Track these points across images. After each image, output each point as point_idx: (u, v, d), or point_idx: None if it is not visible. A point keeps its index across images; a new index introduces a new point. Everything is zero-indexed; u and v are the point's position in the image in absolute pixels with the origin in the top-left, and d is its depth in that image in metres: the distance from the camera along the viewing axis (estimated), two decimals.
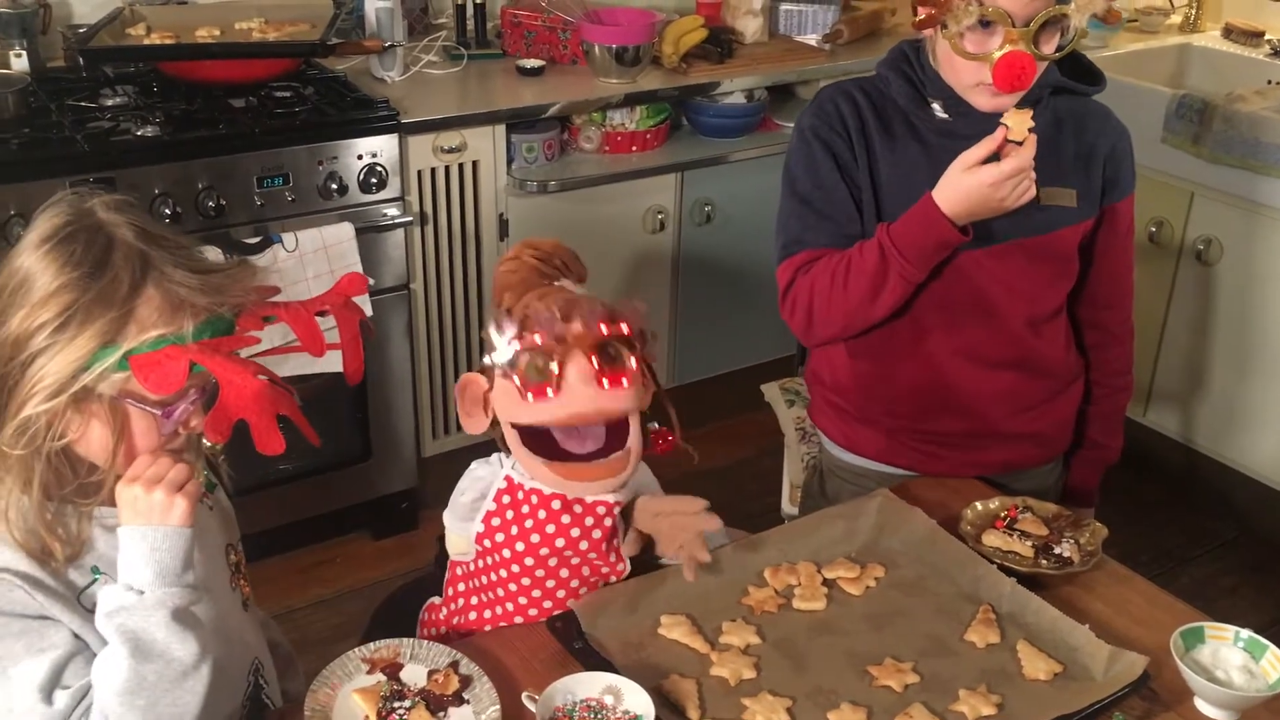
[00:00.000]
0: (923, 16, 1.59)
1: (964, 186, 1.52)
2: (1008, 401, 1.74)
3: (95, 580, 1.17)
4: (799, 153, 1.72)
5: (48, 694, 1.12)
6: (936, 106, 1.66)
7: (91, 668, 1.13)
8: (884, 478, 1.75)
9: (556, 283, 1.38)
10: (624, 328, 1.33)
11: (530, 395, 1.31)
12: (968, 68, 1.58)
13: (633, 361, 1.33)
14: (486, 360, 1.36)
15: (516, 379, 1.31)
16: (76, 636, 1.15)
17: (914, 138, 1.68)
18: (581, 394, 1.31)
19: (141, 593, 1.10)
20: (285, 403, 1.14)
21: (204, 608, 1.19)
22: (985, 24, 1.54)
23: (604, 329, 1.31)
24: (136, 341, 1.08)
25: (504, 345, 1.31)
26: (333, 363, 2.75)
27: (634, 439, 1.37)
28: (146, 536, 1.11)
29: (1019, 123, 1.50)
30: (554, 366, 1.30)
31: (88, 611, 1.14)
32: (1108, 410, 1.83)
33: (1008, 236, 1.64)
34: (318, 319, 1.20)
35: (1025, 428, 1.76)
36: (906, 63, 1.69)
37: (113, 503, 1.17)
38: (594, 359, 1.31)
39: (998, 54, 1.52)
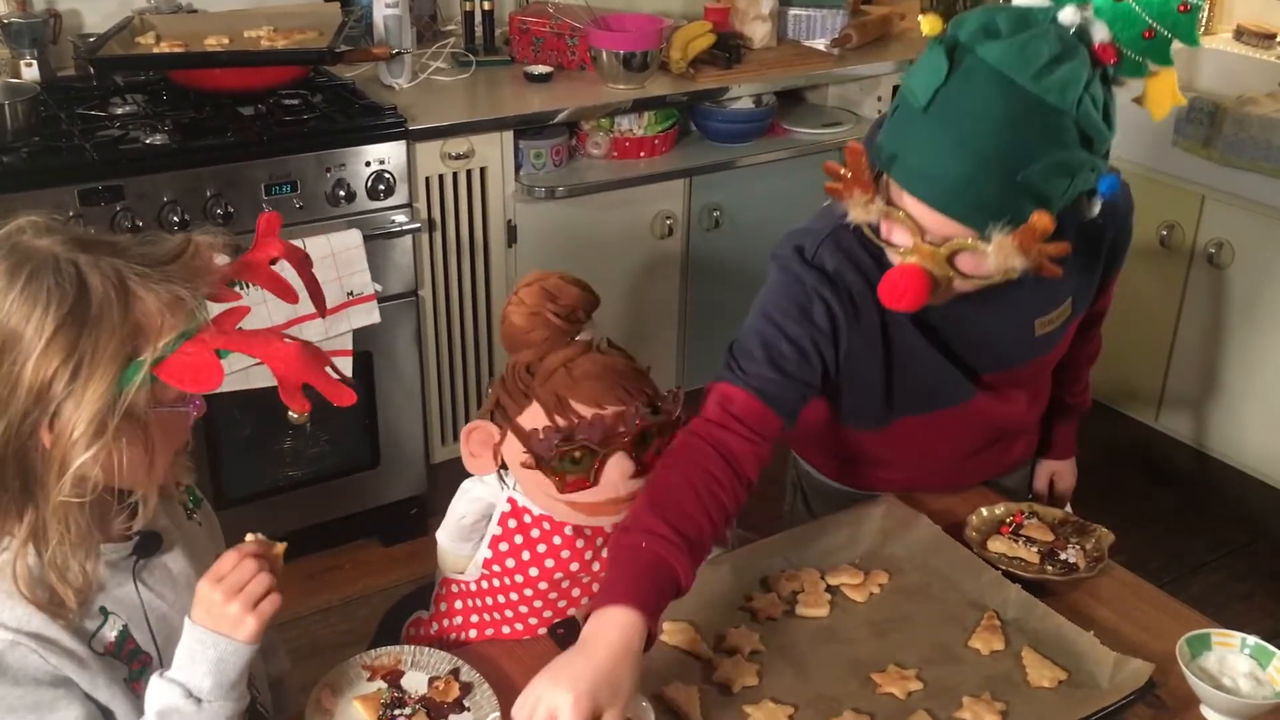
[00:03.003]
0: (830, 186, 1.37)
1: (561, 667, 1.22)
2: (996, 458, 1.74)
3: (105, 621, 1.15)
4: (776, 304, 1.47)
5: None
6: None
7: None
8: (872, 498, 1.73)
9: (578, 336, 1.37)
10: (663, 418, 1.34)
11: (567, 488, 1.32)
12: (884, 247, 1.38)
13: (663, 443, 1.35)
14: (500, 416, 1.36)
15: (553, 475, 1.32)
16: (87, 696, 1.13)
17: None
18: (617, 484, 1.34)
19: (199, 701, 1.10)
20: (323, 356, 1.10)
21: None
22: None
23: (644, 424, 1.32)
24: (159, 350, 1.05)
25: (542, 442, 1.30)
26: (341, 369, 2.75)
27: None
28: (217, 645, 1.10)
29: None
30: (595, 465, 1.31)
31: (99, 655, 1.13)
32: (1079, 374, 1.80)
33: (1014, 367, 1.58)
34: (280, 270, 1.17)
35: (1011, 462, 1.79)
36: (856, 244, 1.44)
37: (109, 536, 1.16)
38: (632, 455, 1.32)
39: (905, 257, 1.32)
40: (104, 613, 1.15)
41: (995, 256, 1.27)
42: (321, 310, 1.23)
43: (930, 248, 1.30)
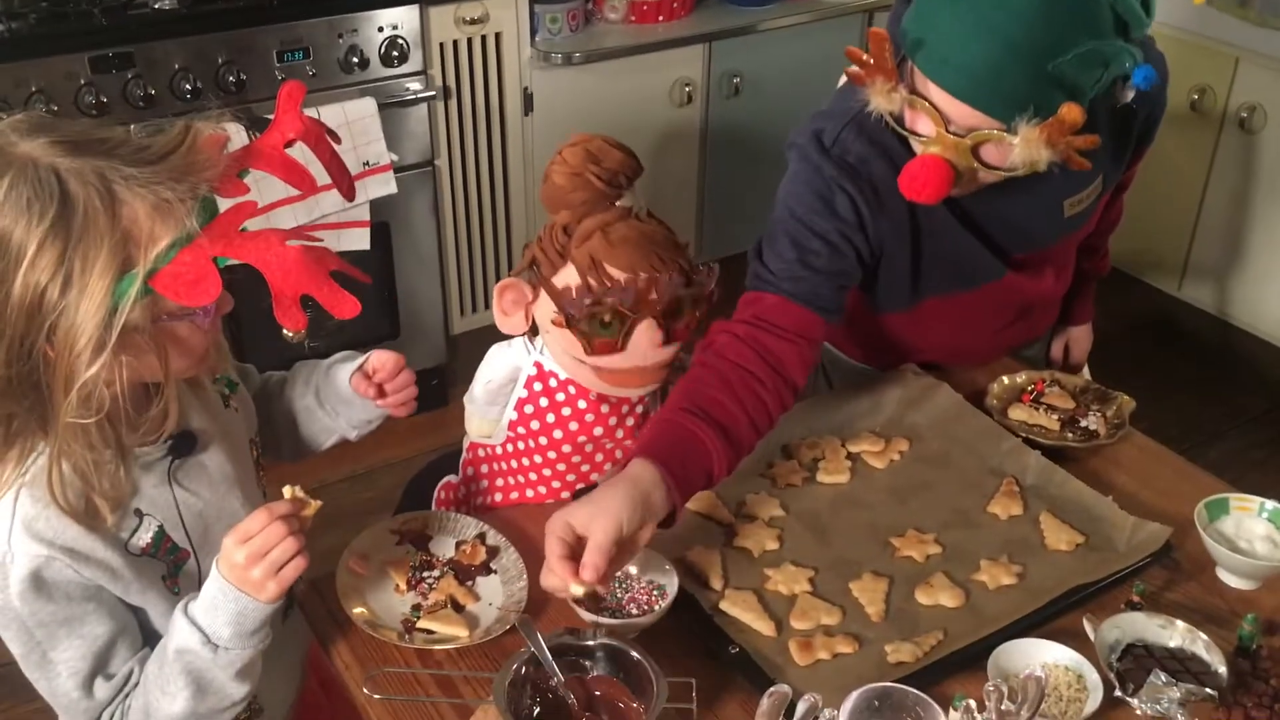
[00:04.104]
0: (852, 72, 1.33)
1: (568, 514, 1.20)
2: (1022, 333, 1.73)
3: (140, 524, 1.15)
4: (801, 200, 1.42)
5: (89, 684, 1.13)
6: None
7: (131, 649, 1.15)
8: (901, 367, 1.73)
9: (619, 202, 1.35)
10: (694, 292, 1.32)
11: (595, 351, 1.32)
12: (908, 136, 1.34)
13: (696, 316, 1.34)
14: (532, 274, 1.35)
15: (581, 337, 1.31)
16: (119, 603, 1.14)
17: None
18: (645, 353, 1.33)
19: (216, 648, 1.11)
20: (330, 259, 1.04)
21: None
22: None
23: (677, 293, 1.31)
24: (151, 261, 0.99)
25: (574, 300, 1.30)
26: (360, 240, 2.74)
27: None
28: (239, 601, 1.10)
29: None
30: (624, 330, 1.30)
31: (135, 557, 1.14)
32: (1099, 242, 1.78)
33: (1044, 246, 1.55)
34: (294, 155, 1.11)
35: (1030, 335, 1.78)
36: (881, 128, 1.37)
37: (145, 438, 1.14)
38: (662, 324, 1.31)
39: (928, 147, 1.28)
40: (139, 515, 1.15)
41: (1021, 149, 1.23)
42: (348, 193, 1.17)
43: (954, 138, 1.26)
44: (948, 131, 1.27)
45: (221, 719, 1.16)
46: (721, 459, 1.27)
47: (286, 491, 1.14)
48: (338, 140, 1.17)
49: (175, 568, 1.18)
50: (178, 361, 1.09)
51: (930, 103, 1.27)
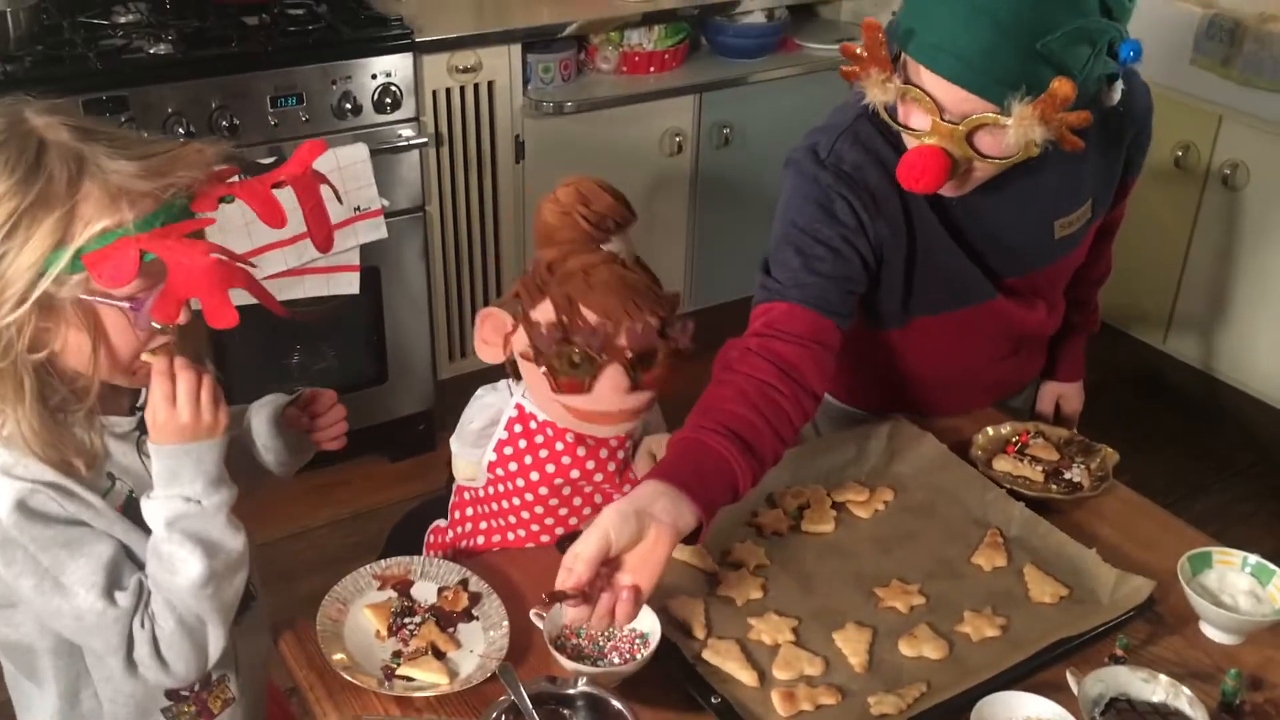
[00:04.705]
0: (846, 70, 1.36)
1: (601, 521, 1.20)
2: (1010, 373, 1.75)
3: (113, 486, 1.21)
4: (802, 211, 1.44)
5: (110, 594, 1.16)
6: None
7: (134, 567, 1.19)
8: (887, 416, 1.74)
9: (605, 245, 1.36)
10: (666, 343, 1.33)
11: (560, 388, 1.32)
12: (901, 131, 1.36)
13: (667, 370, 1.34)
14: (515, 306, 1.36)
15: (549, 373, 1.32)
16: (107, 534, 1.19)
17: (930, 196, 1.42)
18: (610, 399, 1.33)
19: (199, 502, 1.17)
20: (240, 276, 1.12)
21: None
22: None
23: (646, 345, 1.31)
24: (84, 239, 1.08)
25: (543, 336, 1.31)
26: (350, 284, 2.75)
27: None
28: (190, 453, 1.16)
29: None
30: (590, 373, 1.31)
31: (115, 513, 1.19)
32: (1089, 295, 1.80)
33: (1034, 270, 1.57)
34: (279, 196, 1.16)
35: (1026, 379, 1.80)
36: (876, 136, 1.43)
37: (115, 411, 1.22)
38: (629, 371, 1.32)
39: (923, 139, 1.30)
40: (111, 478, 1.21)
41: (1016, 130, 1.25)
42: (322, 244, 1.22)
43: (949, 126, 1.28)
44: (942, 120, 1.28)
45: (234, 585, 1.20)
46: (744, 470, 1.26)
47: (147, 357, 1.17)
48: (337, 196, 1.21)
49: (146, 530, 1.21)
50: (109, 357, 1.15)
51: (924, 91, 1.28)
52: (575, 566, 1.14)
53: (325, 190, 1.20)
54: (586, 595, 1.15)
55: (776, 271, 1.42)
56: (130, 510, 1.20)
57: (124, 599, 1.16)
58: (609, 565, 1.17)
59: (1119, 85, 1.34)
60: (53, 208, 1.07)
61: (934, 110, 1.28)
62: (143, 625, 1.17)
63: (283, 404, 1.41)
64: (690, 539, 1.21)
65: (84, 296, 1.10)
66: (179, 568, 1.16)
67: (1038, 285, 1.61)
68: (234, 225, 2.35)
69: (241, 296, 1.10)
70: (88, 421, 1.18)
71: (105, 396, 1.20)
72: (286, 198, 1.16)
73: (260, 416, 1.39)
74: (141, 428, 1.23)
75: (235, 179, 1.16)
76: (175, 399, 1.15)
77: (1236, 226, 2.96)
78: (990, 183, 1.40)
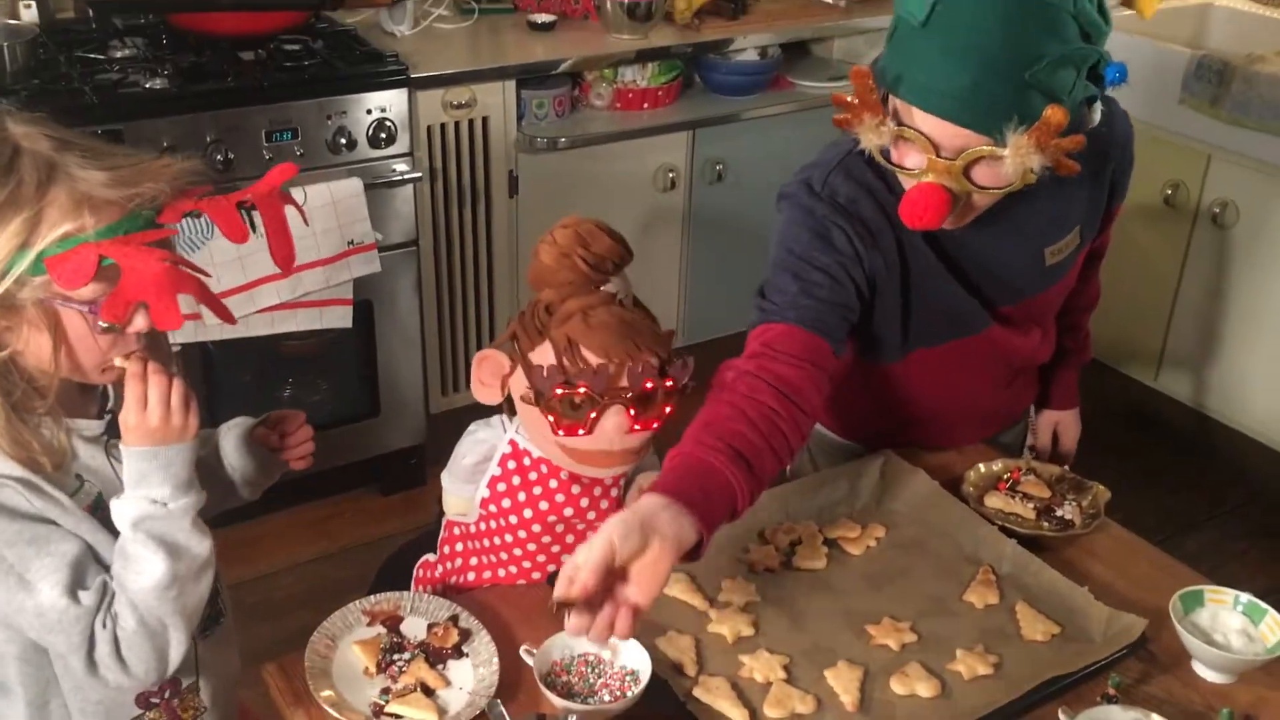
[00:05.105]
0: (839, 118, 1.37)
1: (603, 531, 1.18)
2: (1005, 403, 1.76)
3: (82, 487, 1.22)
4: (798, 239, 1.45)
5: (74, 593, 1.17)
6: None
7: (99, 566, 1.19)
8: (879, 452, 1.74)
9: (604, 286, 1.36)
10: (668, 383, 1.33)
11: (561, 430, 1.32)
12: (898, 173, 1.37)
13: (667, 408, 1.35)
14: (512, 347, 1.36)
15: (551, 415, 1.32)
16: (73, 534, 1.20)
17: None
18: (611, 439, 1.34)
19: (165, 505, 1.18)
20: (190, 283, 1.15)
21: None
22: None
23: (649, 385, 1.32)
24: (46, 242, 1.10)
25: (544, 379, 1.31)
26: (342, 318, 2.75)
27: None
28: (158, 456, 1.18)
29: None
30: (592, 414, 1.31)
31: (83, 512, 1.20)
32: (1080, 322, 1.82)
33: (1027, 298, 1.58)
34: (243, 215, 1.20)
35: (1018, 411, 1.82)
36: (868, 170, 1.45)
37: (84, 414, 1.24)
38: (630, 411, 1.32)
39: (921, 177, 1.31)
40: (80, 479, 1.22)
41: (1012, 159, 1.26)
42: (282, 262, 1.24)
43: (945, 162, 1.29)
44: (939, 157, 1.29)
45: (198, 590, 1.21)
46: (744, 489, 1.25)
47: (122, 362, 1.19)
48: (304, 218, 1.25)
49: (114, 532, 1.21)
50: (69, 358, 1.17)
51: (918, 131, 1.29)
52: (579, 575, 1.11)
53: (290, 211, 1.22)
54: (590, 604, 1.13)
55: (773, 295, 1.43)
56: (98, 511, 1.22)
57: (87, 598, 1.17)
58: (611, 577, 1.14)
59: (1098, 106, 1.36)
60: (20, 210, 1.10)
61: (929, 148, 1.30)
62: (104, 625, 1.17)
63: (251, 425, 1.42)
64: (690, 555, 1.20)
65: (45, 297, 1.13)
66: (143, 568, 1.17)
67: (1031, 313, 1.62)
68: (227, 258, 2.36)
69: (246, 328, 1.12)
70: (54, 422, 1.20)
71: (74, 399, 1.23)
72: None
73: (229, 437, 1.41)
74: (110, 431, 1.25)
75: (204, 195, 1.19)
76: (147, 402, 1.17)
77: (1226, 264, 2.98)
78: (981, 214, 1.42)
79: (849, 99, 1.34)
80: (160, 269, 1.12)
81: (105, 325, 1.15)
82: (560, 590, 1.12)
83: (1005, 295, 1.56)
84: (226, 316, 1.25)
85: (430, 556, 1.57)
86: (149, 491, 1.18)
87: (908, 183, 1.35)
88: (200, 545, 1.20)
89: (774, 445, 1.30)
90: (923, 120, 1.29)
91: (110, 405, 1.27)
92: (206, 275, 1.20)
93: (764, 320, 1.42)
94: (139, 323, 1.16)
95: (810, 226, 1.44)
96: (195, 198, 1.17)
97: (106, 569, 1.20)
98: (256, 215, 1.19)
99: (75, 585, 1.17)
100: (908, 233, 1.44)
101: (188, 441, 1.20)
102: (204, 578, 1.22)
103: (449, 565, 1.52)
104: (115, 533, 1.20)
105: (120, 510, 1.19)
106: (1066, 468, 1.67)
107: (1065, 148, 1.27)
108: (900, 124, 1.31)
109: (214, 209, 1.17)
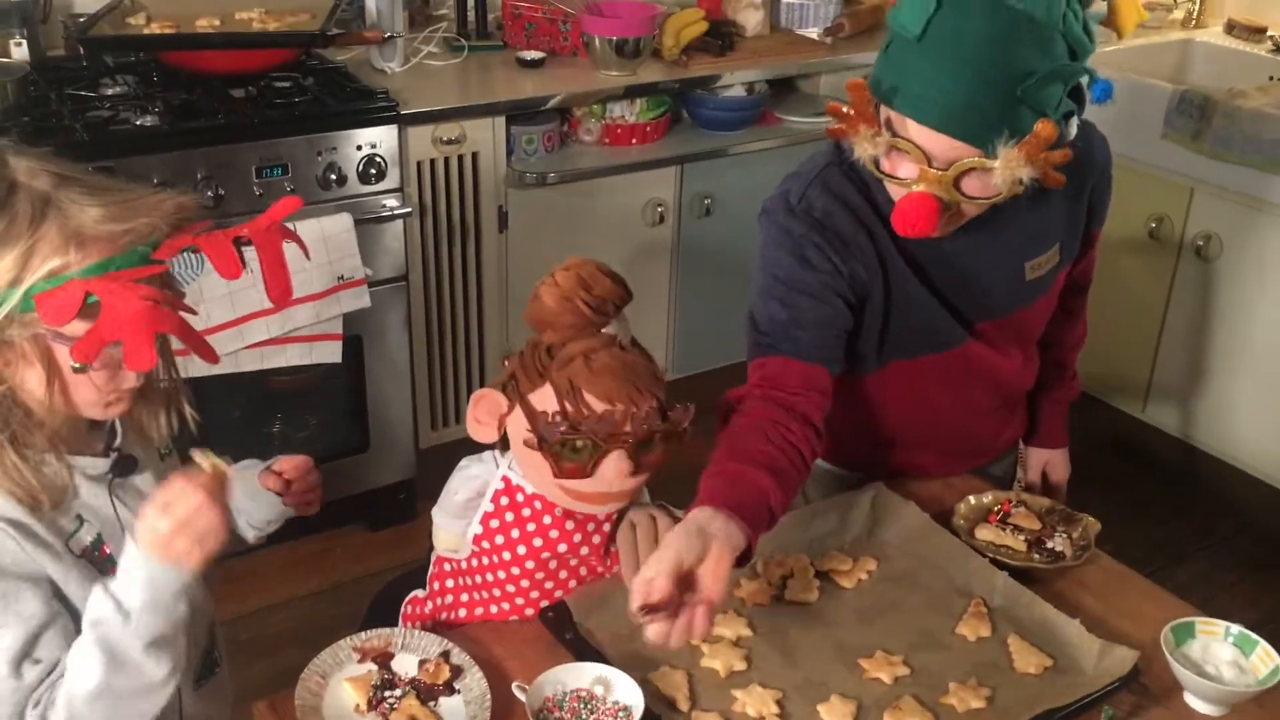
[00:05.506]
0: (833, 129, 1.42)
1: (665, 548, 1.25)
2: (989, 431, 1.77)
3: (81, 527, 1.20)
4: (780, 264, 1.50)
5: (18, 665, 1.13)
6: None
7: (63, 641, 1.15)
8: (866, 480, 1.74)
9: (604, 329, 1.36)
10: (669, 428, 1.34)
11: (562, 475, 1.33)
12: (888, 183, 1.41)
13: (665, 450, 1.36)
14: (510, 387, 1.36)
15: (552, 460, 1.32)
16: (56, 592, 1.17)
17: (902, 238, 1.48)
18: (612, 480, 1.34)
19: (128, 615, 1.12)
20: (170, 321, 1.12)
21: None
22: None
23: (650, 429, 1.33)
24: (35, 277, 1.09)
25: (548, 425, 1.31)
26: (332, 353, 2.75)
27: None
28: (148, 565, 1.12)
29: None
30: (593, 458, 1.32)
31: (75, 557, 1.18)
32: (1067, 360, 1.83)
33: (1006, 314, 1.61)
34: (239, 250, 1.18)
35: (1003, 443, 1.82)
36: (846, 184, 1.49)
37: (86, 450, 1.22)
38: (632, 455, 1.33)
39: (912, 187, 1.35)
40: (80, 519, 1.20)
41: (1002, 172, 1.31)
42: (277, 297, 1.22)
43: (937, 173, 1.33)
44: (931, 168, 1.33)
45: (139, 709, 1.15)
46: (775, 493, 1.32)
47: (203, 460, 1.15)
48: (305, 252, 1.24)
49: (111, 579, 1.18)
50: (63, 394, 1.16)
51: (912, 142, 1.34)
52: (655, 583, 1.16)
53: (290, 247, 1.21)
54: (665, 615, 1.18)
55: (764, 325, 1.48)
56: (95, 553, 1.20)
57: (31, 673, 1.13)
58: (680, 585, 1.19)
59: (1074, 121, 1.40)
60: (12, 246, 1.10)
61: (922, 159, 1.33)
62: (35, 705, 1.14)
63: (258, 470, 1.41)
64: (741, 560, 1.25)
65: (38, 333, 1.12)
66: (81, 669, 1.12)
67: (1010, 331, 1.64)
68: (216, 293, 2.36)
69: (235, 363, 1.11)
70: (56, 459, 1.18)
71: (80, 436, 1.21)
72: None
73: (237, 483, 1.37)
74: (116, 470, 1.24)
75: (203, 230, 1.17)
76: (185, 519, 1.11)
77: (1211, 297, 3.00)
78: (964, 226, 1.46)
79: (845, 110, 1.38)
80: (140, 307, 1.09)
81: (76, 365, 1.12)
82: (639, 598, 1.17)
83: (984, 310, 1.58)
84: (208, 355, 1.20)
85: (419, 593, 1.56)
86: (123, 593, 1.12)
87: (898, 192, 1.39)
88: (154, 668, 1.13)
89: (793, 459, 1.38)
90: (916, 131, 1.33)
91: (117, 443, 1.25)
92: (193, 313, 1.18)
93: (760, 354, 1.48)
94: (116, 360, 1.13)
95: (789, 249, 1.48)
96: (193, 233, 1.16)
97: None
98: (250, 250, 1.18)
99: (23, 656, 1.13)
100: (884, 246, 1.49)
101: (182, 571, 1.13)
102: (150, 698, 1.15)
103: (440, 601, 1.51)
104: (109, 576, 1.17)
105: (92, 598, 1.13)
106: (1063, 499, 1.67)
107: (1054, 161, 1.32)
108: (894, 134, 1.35)
109: (210, 245, 1.16)
